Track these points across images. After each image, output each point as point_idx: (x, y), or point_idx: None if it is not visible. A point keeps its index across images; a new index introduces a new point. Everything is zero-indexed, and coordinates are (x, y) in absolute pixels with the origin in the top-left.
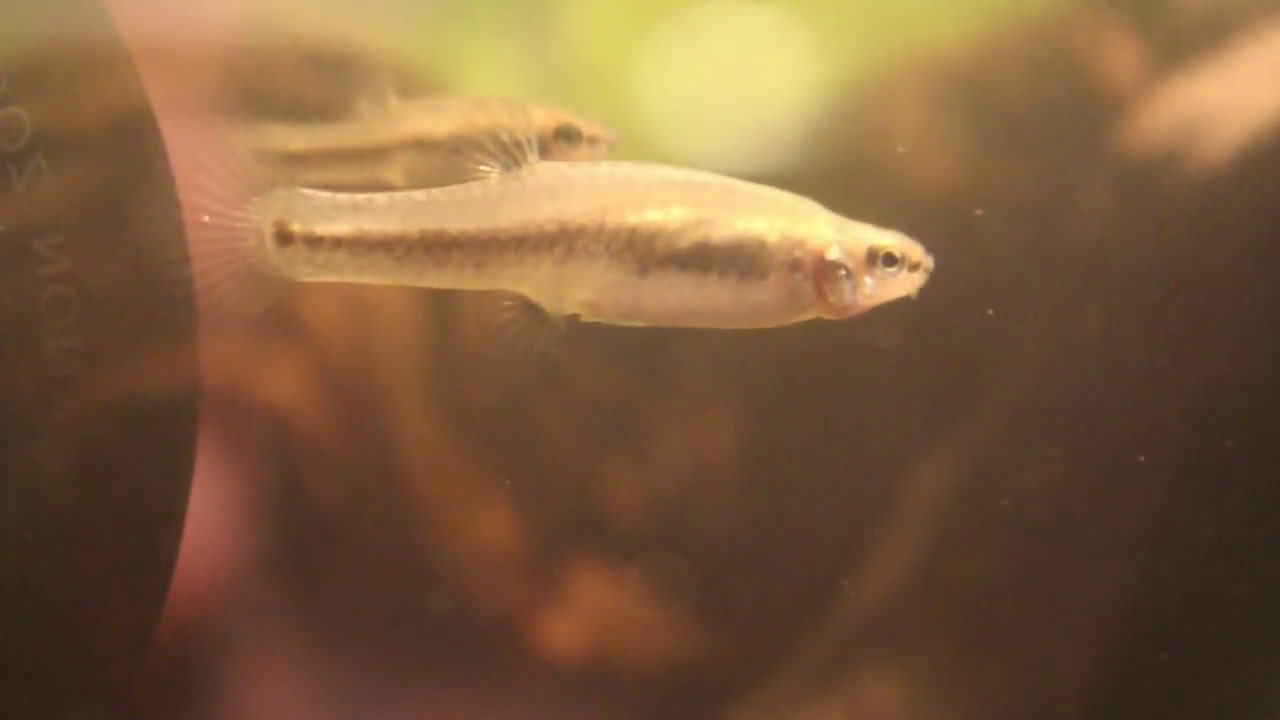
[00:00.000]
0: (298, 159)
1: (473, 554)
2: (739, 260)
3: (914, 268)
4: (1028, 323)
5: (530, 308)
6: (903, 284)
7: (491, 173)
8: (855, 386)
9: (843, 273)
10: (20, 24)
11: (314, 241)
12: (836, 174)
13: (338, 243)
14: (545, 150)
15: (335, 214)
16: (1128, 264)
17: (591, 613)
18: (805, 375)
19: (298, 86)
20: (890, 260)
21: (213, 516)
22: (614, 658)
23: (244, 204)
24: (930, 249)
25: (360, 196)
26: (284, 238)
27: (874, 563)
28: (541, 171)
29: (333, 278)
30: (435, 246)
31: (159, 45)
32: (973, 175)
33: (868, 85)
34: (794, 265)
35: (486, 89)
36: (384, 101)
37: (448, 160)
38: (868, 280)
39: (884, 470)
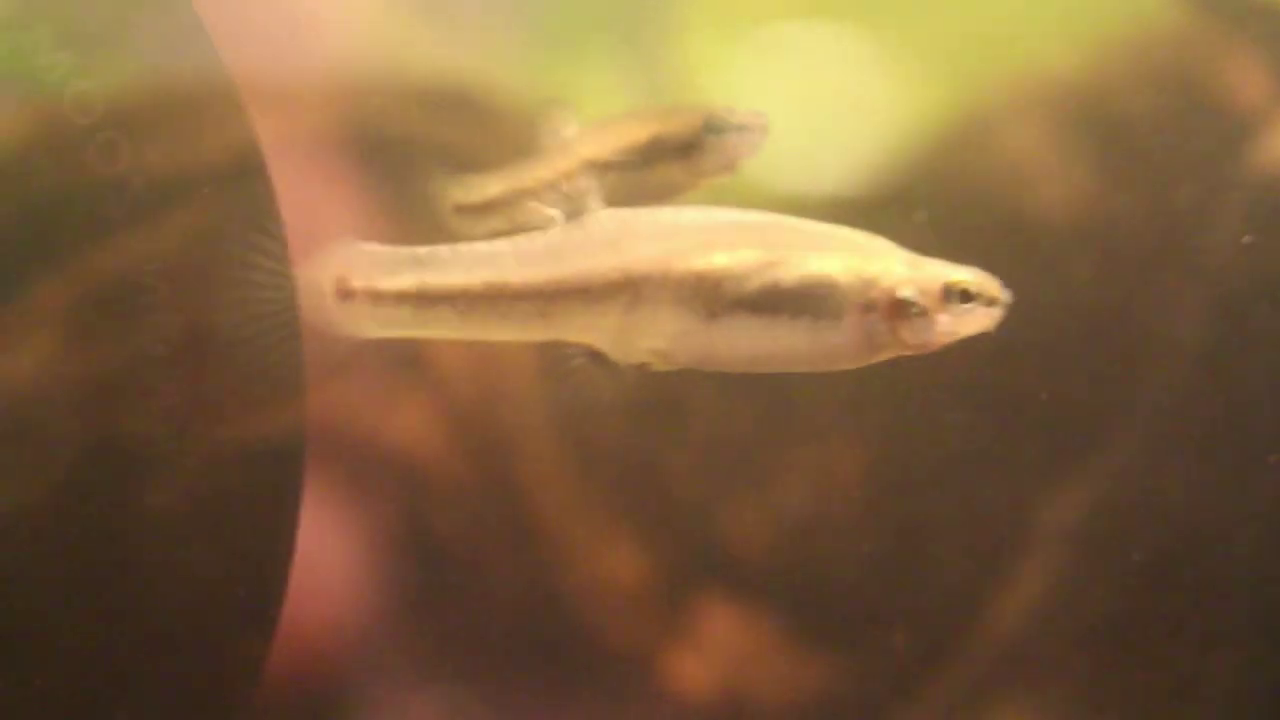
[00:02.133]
0: (494, 204)
1: (599, 592)
2: (810, 302)
3: (991, 303)
4: (1155, 348)
5: (598, 357)
6: (980, 320)
7: (555, 220)
8: (982, 414)
9: (917, 311)
10: (128, 65)
11: (377, 297)
12: (954, 201)
13: (401, 297)
14: (696, 148)
15: (397, 268)
16: (1254, 287)
17: (719, 649)
18: (930, 404)
19: (417, 127)
20: (966, 296)
21: (337, 556)
22: (742, 694)
23: (304, 260)
24: (1050, 276)
25: (422, 249)
26: (346, 294)
27: (1005, 594)
28: (605, 219)
29: (397, 333)
30: (499, 298)
31: (270, 86)
32: (1093, 200)
33: (985, 110)
34: (868, 305)
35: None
36: (562, 132)
37: (623, 177)
38: (943, 317)
39: (1014, 499)
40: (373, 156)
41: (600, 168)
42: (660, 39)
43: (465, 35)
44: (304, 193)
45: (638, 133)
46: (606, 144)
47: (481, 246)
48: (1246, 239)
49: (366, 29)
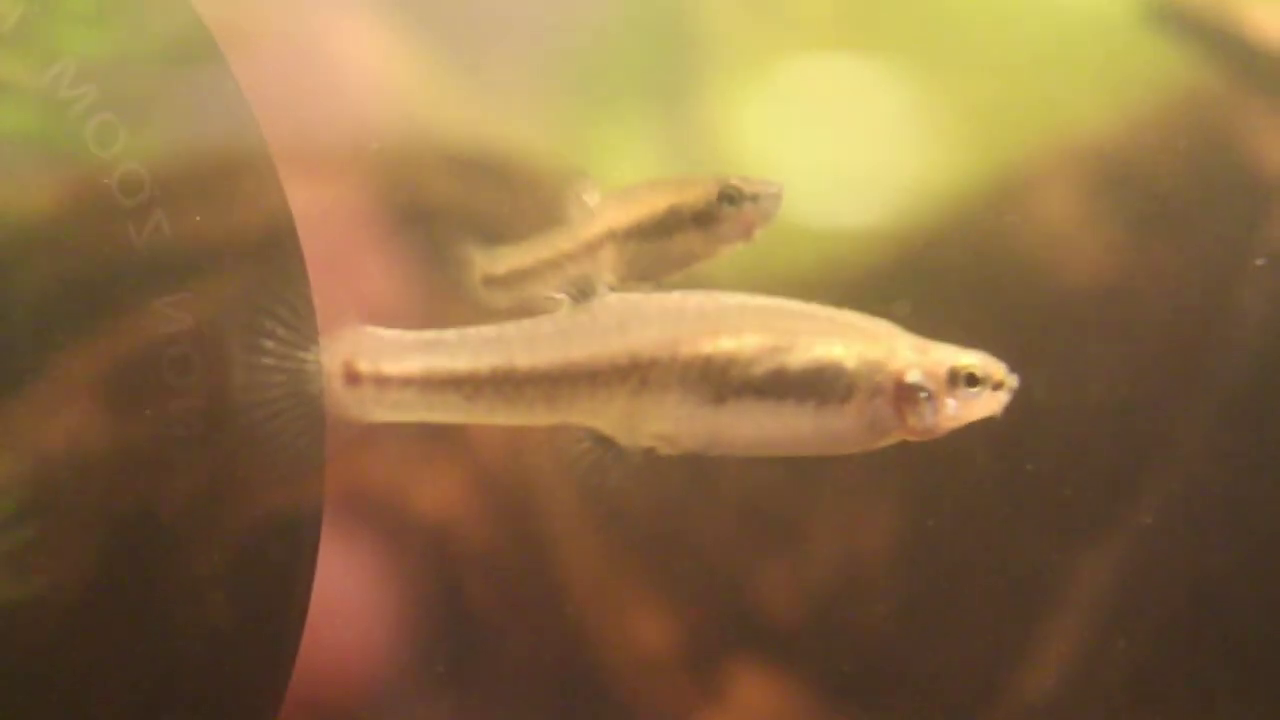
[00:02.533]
0: (520, 275)
1: (629, 658)
2: (817, 386)
3: (997, 387)
4: (1184, 410)
5: (605, 441)
6: (986, 404)
7: (562, 304)
8: (1011, 476)
9: (924, 395)
10: (171, 137)
11: (383, 381)
12: (985, 263)
13: (407, 382)
14: (713, 218)
15: (404, 352)
16: None
17: (749, 714)
18: (958, 467)
19: (451, 195)
20: (972, 381)
21: (362, 622)
22: None
23: (311, 344)
24: (1080, 338)
25: (429, 334)
26: (353, 378)
27: (1034, 656)
28: (612, 303)
29: (404, 417)
30: (506, 383)
31: (305, 155)
32: (1124, 263)
33: (1017, 173)
34: (874, 390)
35: (628, 178)
36: (586, 201)
37: (643, 247)
38: (950, 402)
39: (1042, 562)
40: (405, 226)
41: (621, 238)
42: (695, 103)
43: (499, 100)
44: (336, 264)
45: (656, 203)
46: (626, 214)
47: (488, 330)
48: (1260, 261)
49: (401, 96)
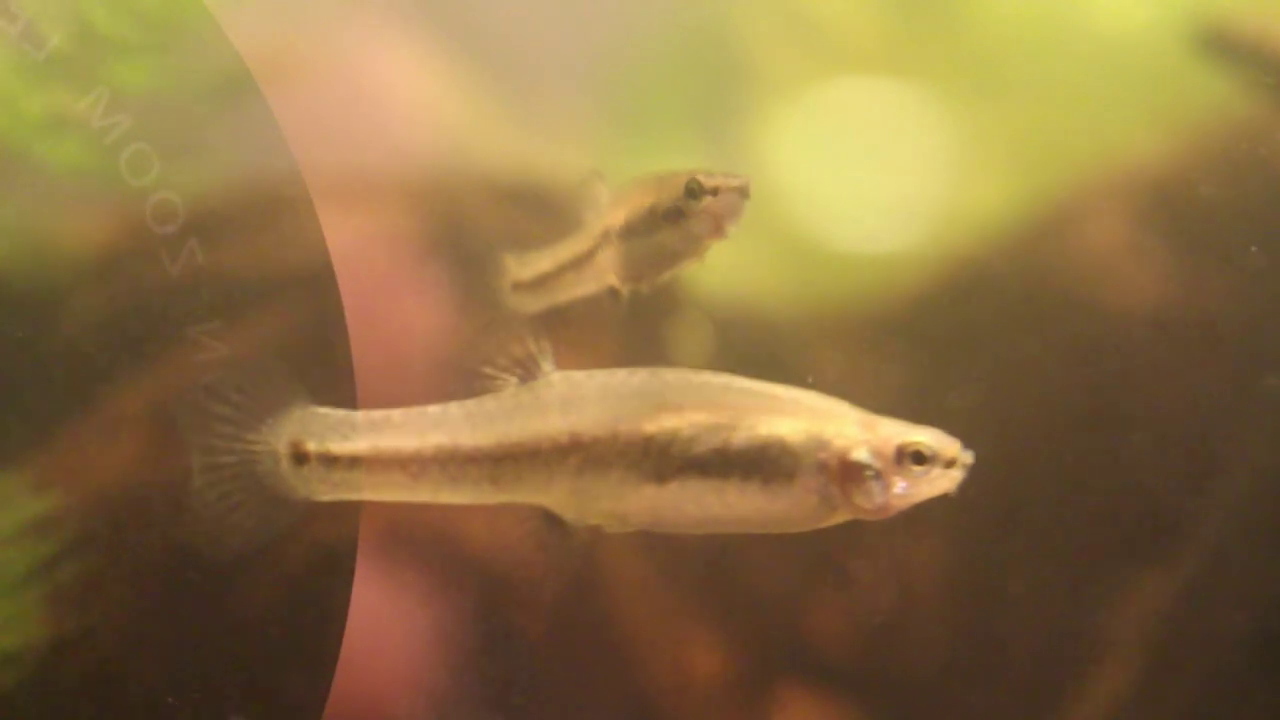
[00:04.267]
0: (545, 280)
1: (679, 688)
2: (761, 465)
3: (949, 464)
4: (1233, 443)
5: (551, 519)
6: (937, 483)
7: (508, 384)
8: (1064, 502)
9: (871, 474)
10: (207, 170)
11: (329, 461)
12: (1034, 290)
13: (354, 462)
14: (683, 214)
15: (350, 432)
16: None
17: None
18: (1008, 501)
19: (490, 220)
20: (920, 459)
21: (412, 652)
22: None
23: (259, 425)
24: (1128, 366)
25: (377, 413)
26: (299, 458)
27: (1087, 689)
28: (556, 381)
29: (351, 496)
30: (450, 462)
31: (343, 187)
32: (1172, 290)
33: (1065, 200)
34: (819, 468)
35: None
36: (598, 201)
37: (632, 245)
38: (899, 481)
39: (1092, 599)
40: (447, 255)
41: (615, 238)
42: (739, 130)
43: (544, 130)
44: (377, 296)
45: (640, 201)
46: (617, 214)
47: (434, 410)
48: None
49: (446, 127)
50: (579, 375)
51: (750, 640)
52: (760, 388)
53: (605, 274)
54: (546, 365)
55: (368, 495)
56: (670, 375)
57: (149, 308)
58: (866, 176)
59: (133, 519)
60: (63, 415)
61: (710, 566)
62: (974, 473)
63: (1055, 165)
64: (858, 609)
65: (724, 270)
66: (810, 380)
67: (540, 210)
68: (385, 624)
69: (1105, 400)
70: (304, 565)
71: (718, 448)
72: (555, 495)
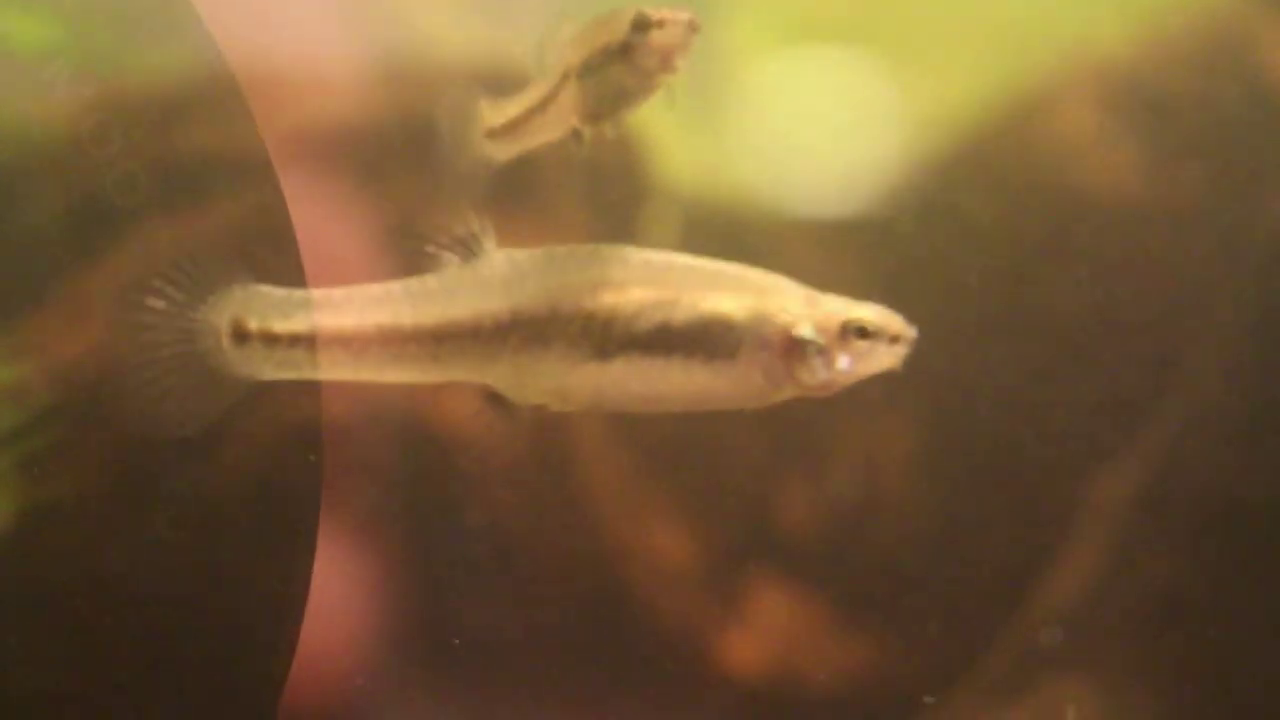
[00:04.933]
0: (516, 125)
1: (651, 574)
2: (704, 341)
3: (894, 340)
4: (1203, 323)
5: (495, 398)
6: (882, 358)
7: (450, 263)
8: (1032, 388)
9: (814, 349)
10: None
11: (271, 339)
12: (1003, 180)
13: (295, 340)
14: (631, 48)
15: (292, 310)
16: None
17: (772, 629)
18: (979, 380)
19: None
20: (864, 334)
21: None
22: (796, 673)
23: (199, 303)
24: (1098, 254)
25: (318, 292)
26: (241, 336)
27: (1056, 569)
28: (497, 260)
29: (293, 375)
30: (391, 341)
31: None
32: (1141, 180)
33: (1034, 90)
34: (762, 344)
35: None
36: (561, 44)
37: (589, 83)
38: (842, 356)
39: (1064, 475)
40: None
41: (574, 77)
42: (710, 32)
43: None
44: (313, 198)
45: (594, 39)
46: (575, 53)
47: (375, 289)
48: None
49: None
50: (520, 253)
51: (720, 529)
52: (704, 265)
53: (569, 115)
54: (488, 244)
55: (309, 374)
56: (611, 252)
57: (97, 196)
58: (835, 72)
59: (100, 394)
60: (29, 292)
61: (679, 454)
62: (941, 355)
63: (1025, 55)
64: (825, 494)
65: (695, 164)
66: None
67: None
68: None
69: (1072, 285)
70: (266, 504)
71: (660, 324)
72: (497, 373)
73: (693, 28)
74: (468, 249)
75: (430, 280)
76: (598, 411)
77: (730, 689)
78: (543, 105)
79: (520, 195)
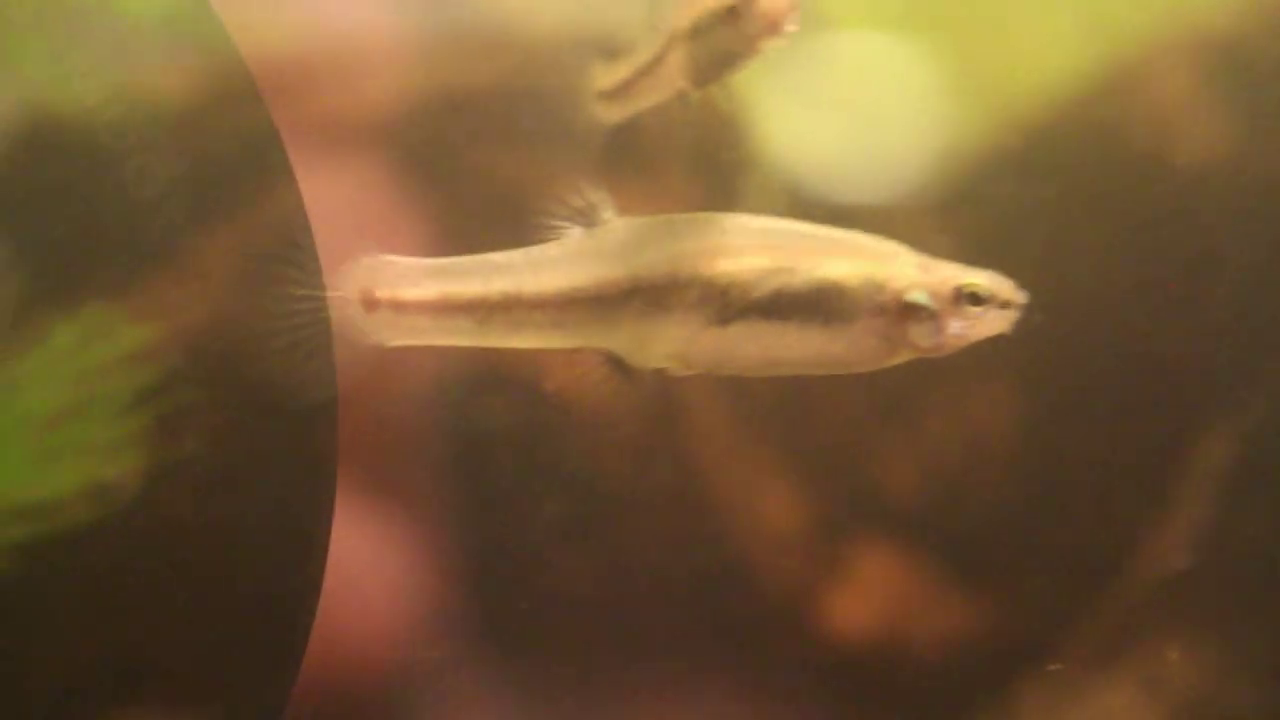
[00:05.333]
0: (625, 87)
1: (757, 536)
2: (820, 307)
3: (1005, 305)
4: None
5: (618, 363)
6: (993, 322)
7: (570, 231)
8: (1133, 354)
9: (928, 314)
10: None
11: (399, 306)
12: (1097, 150)
13: (422, 307)
14: (737, 13)
15: (419, 278)
16: None
17: (875, 590)
18: (1081, 345)
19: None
20: (976, 299)
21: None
22: (899, 634)
23: (331, 273)
24: (1193, 224)
25: (445, 260)
26: (370, 304)
27: (1160, 532)
28: (618, 227)
29: (419, 341)
30: (515, 308)
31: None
32: (1236, 150)
33: (1129, 60)
34: (878, 310)
35: None
36: (669, 6)
37: (697, 47)
38: (955, 321)
39: (1167, 437)
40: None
41: (682, 39)
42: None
43: None
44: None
45: (701, 2)
46: (682, 16)
47: (499, 257)
48: None
49: None
50: (639, 220)
51: (826, 490)
52: (819, 231)
53: (676, 78)
54: (607, 212)
55: (436, 340)
56: (730, 219)
57: (228, 158)
58: (931, 42)
59: (226, 357)
60: (155, 254)
61: (786, 418)
62: (1043, 323)
63: (1122, 25)
64: (931, 457)
65: (795, 133)
66: None
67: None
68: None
69: (1170, 256)
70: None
71: (778, 290)
72: (619, 339)
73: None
74: (587, 217)
75: (552, 248)
76: (716, 375)
77: (835, 647)
78: (651, 67)
79: (625, 163)
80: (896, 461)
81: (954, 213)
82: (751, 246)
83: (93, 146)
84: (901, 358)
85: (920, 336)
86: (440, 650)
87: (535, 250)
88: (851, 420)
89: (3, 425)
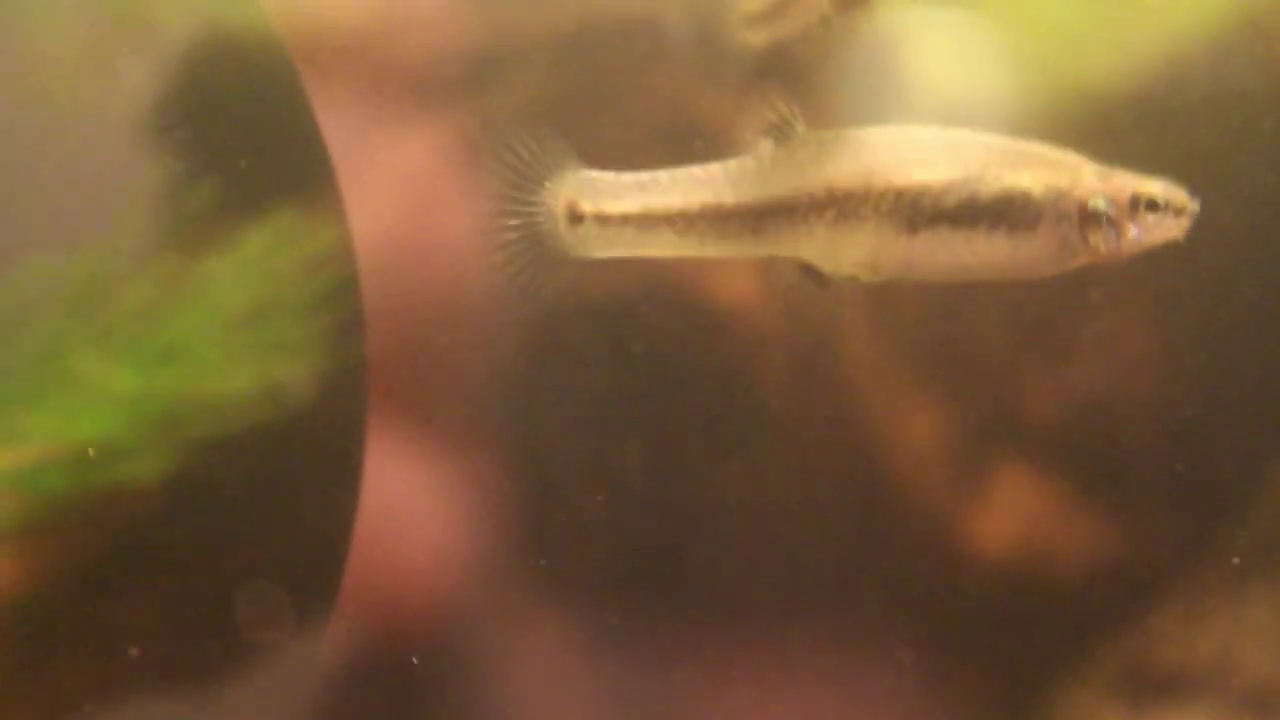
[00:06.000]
0: (770, 12)
1: (900, 453)
2: (1006, 214)
3: (1179, 212)
4: None
5: (811, 271)
6: (1168, 229)
7: (762, 145)
8: (1269, 285)
9: (1107, 220)
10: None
11: (604, 220)
12: (1227, 101)
13: (625, 219)
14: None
15: (622, 192)
16: None
17: (1015, 511)
18: (1217, 274)
19: None
20: (1153, 206)
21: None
22: (1038, 554)
23: (538, 189)
24: None
25: (644, 175)
26: (576, 218)
27: None
28: (810, 140)
29: (621, 252)
30: (715, 218)
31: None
32: None
33: (1261, 10)
34: (1060, 216)
35: None
36: None
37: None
38: (1132, 227)
39: None
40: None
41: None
42: None
43: None
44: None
45: None
46: None
47: (696, 170)
48: None
49: None
50: (829, 134)
51: (970, 412)
52: (1002, 141)
53: (820, 1)
54: (799, 126)
55: (637, 251)
56: (917, 131)
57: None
58: None
59: (410, 264)
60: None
61: (932, 340)
62: (1184, 252)
63: None
64: (1074, 383)
65: (943, 61)
66: None
67: None
68: (405, 497)
69: None
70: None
71: (965, 199)
72: (813, 247)
73: None
74: (780, 131)
75: (748, 161)
76: (905, 281)
77: (976, 565)
78: (789, 6)
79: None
80: (1038, 387)
81: (1111, 136)
82: (940, 157)
83: (273, 64)
84: (1079, 262)
85: (1100, 242)
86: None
87: (732, 163)
88: (995, 346)
89: (193, 324)
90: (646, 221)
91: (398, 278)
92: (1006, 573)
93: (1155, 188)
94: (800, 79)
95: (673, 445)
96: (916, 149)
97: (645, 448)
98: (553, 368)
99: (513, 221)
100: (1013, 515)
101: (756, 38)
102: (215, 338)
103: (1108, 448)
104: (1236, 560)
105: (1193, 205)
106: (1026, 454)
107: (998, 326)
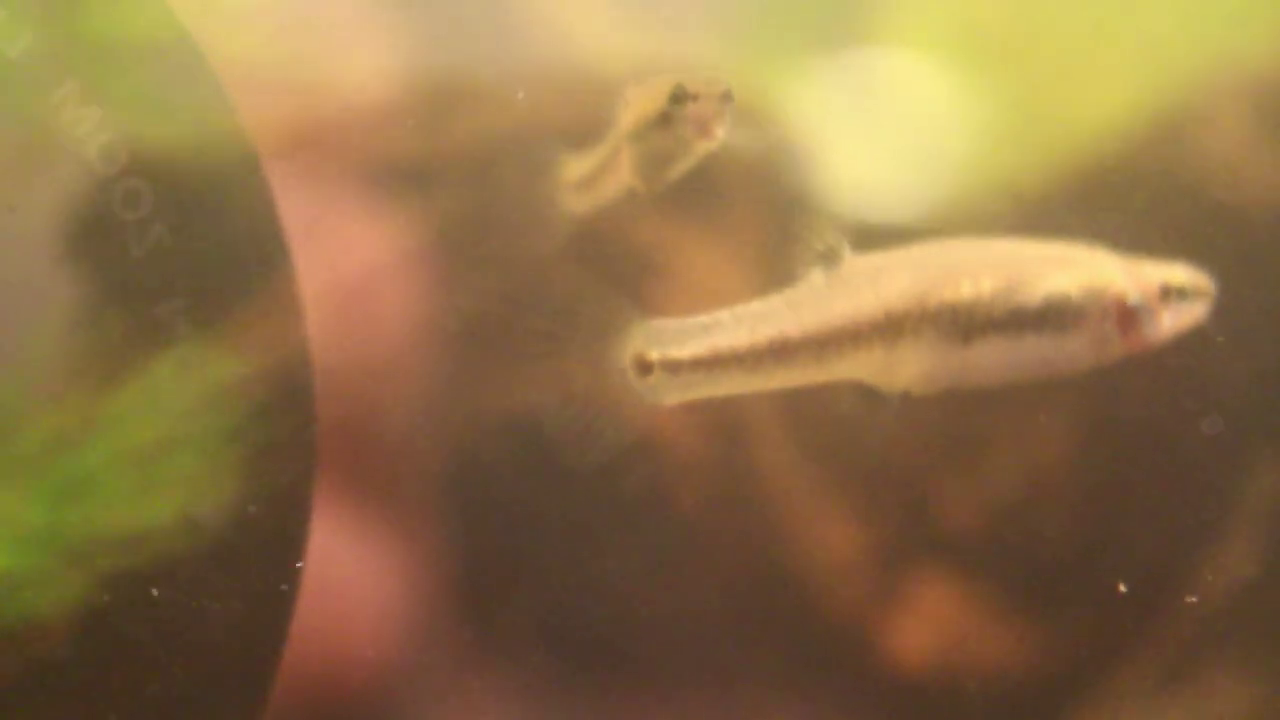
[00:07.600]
0: (588, 180)
1: (817, 565)
2: (1050, 317)
3: (1203, 296)
4: None
5: (866, 391)
6: (1193, 313)
7: (812, 273)
8: (1187, 394)
9: (1145, 314)
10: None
11: (673, 367)
12: (1157, 194)
13: (695, 364)
14: (669, 120)
15: (686, 338)
16: None
17: (934, 621)
18: (1136, 383)
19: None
20: (1183, 294)
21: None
22: (958, 664)
23: (604, 343)
24: (1253, 267)
25: (706, 318)
26: (644, 368)
27: (1215, 563)
28: (857, 263)
29: (692, 396)
30: (782, 351)
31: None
32: None
33: (1188, 104)
34: (1101, 314)
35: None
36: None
37: (634, 149)
38: (1166, 316)
39: (1222, 474)
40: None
41: (627, 140)
42: (860, 44)
43: (675, 42)
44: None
45: (639, 107)
46: (628, 119)
47: (756, 306)
48: None
49: (568, 33)
50: (875, 257)
51: (885, 521)
52: (1031, 246)
53: (625, 175)
54: (845, 252)
55: (708, 392)
56: (955, 245)
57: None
58: (994, 82)
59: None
60: (247, 291)
61: (846, 449)
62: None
63: (1179, 69)
64: (988, 490)
65: (854, 161)
66: None
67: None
68: (349, 562)
69: (1230, 297)
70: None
71: (1013, 307)
72: (871, 367)
73: (726, 99)
74: (829, 259)
75: (803, 290)
76: (958, 390)
77: (894, 677)
78: (607, 165)
79: (697, 208)
80: (956, 492)
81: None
82: (981, 268)
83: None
84: (1114, 357)
85: (1138, 335)
86: (429, 657)
87: (788, 295)
88: (911, 452)
89: (105, 457)
90: (716, 363)
91: (348, 371)
92: (923, 684)
93: (1181, 276)
94: (718, 193)
95: (599, 556)
96: (958, 262)
97: (572, 552)
98: (479, 483)
99: (583, 379)
100: (932, 624)
101: (578, 205)
102: (126, 469)
103: (1028, 554)
104: (1155, 666)
105: (1213, 287)
106: (946, 561)
107: (911, 433)
